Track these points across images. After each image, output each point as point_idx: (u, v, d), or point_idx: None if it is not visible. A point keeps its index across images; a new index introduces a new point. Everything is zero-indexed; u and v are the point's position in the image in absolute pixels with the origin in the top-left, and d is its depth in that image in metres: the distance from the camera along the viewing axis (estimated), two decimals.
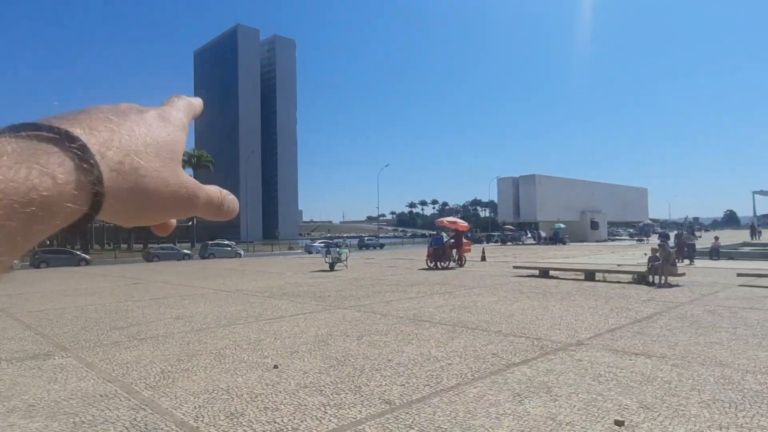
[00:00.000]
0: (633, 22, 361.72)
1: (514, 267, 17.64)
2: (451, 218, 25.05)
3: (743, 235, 46.95)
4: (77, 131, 0.33)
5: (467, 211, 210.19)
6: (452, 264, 20.37)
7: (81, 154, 0.32)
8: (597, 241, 51.90)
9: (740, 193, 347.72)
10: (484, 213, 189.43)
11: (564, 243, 46.59)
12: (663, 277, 12.68)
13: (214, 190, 0.44)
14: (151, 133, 0.38)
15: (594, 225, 56.00)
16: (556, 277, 14.82)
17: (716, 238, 23.97)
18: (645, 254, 22.86)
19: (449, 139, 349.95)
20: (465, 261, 21.00)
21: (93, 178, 0.32)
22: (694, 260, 19.28)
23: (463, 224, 22.38)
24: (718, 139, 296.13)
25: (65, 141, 0.32)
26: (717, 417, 3.82)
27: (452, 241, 20.90)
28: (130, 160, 0.35)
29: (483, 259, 24.08)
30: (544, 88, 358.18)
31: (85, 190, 0.32)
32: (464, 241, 21.57)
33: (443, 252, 20.18)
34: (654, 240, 14.86)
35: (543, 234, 50.91)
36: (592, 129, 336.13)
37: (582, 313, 8.69)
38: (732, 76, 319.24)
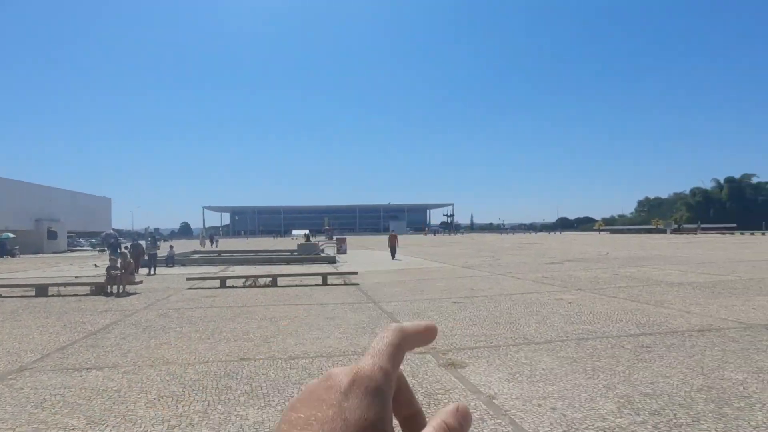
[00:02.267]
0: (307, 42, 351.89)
1: None
2: None
3: (195, 244, 53.73)
4: None
5: None
6: None
7: None
8: (55, 252, 47.36)
9: (193, 208, 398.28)
10: None
11: (13, 255, 40.13)
12: (121, 287, 12.87)
13: None
14: None
15: (51, 235, 50.93)
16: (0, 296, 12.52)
17: (171, 247, 26.41)
18: (95, 265, 22.69)
19: None
20: None
21: None
22: (156, 269, 20.43)
23: None
24: (257, 156, 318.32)
25: None
26: (161, 413, 4.17)
27: None
28: None
29: None
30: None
31: None
32: None
33: None
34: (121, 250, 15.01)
35: None
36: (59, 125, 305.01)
37: (29, 334, 7.68)
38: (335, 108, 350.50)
